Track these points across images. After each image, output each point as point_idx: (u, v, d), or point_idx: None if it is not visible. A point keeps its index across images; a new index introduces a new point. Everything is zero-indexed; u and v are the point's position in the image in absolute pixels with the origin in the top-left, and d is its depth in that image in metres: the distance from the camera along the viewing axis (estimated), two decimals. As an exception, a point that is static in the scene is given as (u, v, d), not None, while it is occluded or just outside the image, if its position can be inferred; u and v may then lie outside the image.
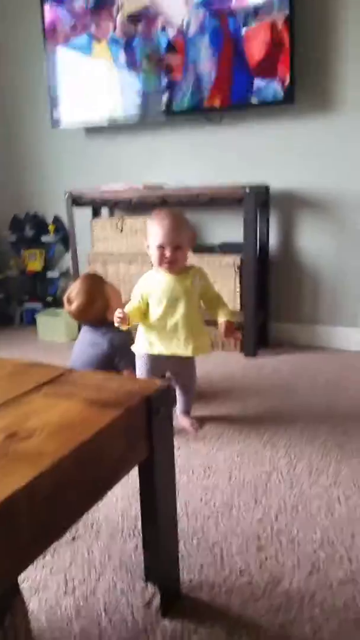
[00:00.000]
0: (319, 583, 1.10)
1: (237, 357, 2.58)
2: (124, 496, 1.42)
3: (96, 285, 1.97)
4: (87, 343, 1.95)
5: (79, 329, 2.07)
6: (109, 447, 0.84)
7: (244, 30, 2.43)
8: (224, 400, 2.06)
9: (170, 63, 2.64)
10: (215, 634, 0.98)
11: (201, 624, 1.00)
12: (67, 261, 3.31)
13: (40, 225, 3.37)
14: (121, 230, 2.85)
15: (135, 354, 1.80)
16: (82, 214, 2.99)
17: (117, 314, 1.63)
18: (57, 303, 3.23)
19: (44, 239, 3.31)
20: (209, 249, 2.68)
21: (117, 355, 1.89)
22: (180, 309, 1.69)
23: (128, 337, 1.93)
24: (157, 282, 1.71)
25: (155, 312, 1.71)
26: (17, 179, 3.43)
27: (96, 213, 3.11)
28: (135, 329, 1.80)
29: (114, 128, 2.98)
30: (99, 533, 1.27)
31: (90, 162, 3.15)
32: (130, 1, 2.65)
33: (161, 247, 1.64)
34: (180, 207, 2.75)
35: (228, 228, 2.78)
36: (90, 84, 2.89)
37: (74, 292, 1.95)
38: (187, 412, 1.89)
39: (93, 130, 3.08)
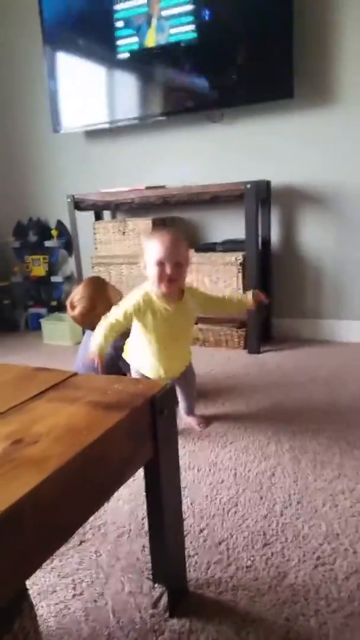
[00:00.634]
0: (324, 576, 1.11)
1: (240, 354, 2.60)
2: (129, 497, 1.44)
3: (98, 291, 1.98)
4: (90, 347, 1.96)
5: (84, 333, 2.10)
6: (115, 449, 0.86)
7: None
8: (228, 397, 2.08)
9: (168, 62, 2.66)
10: (223, 631, 0.99)
11: (209, 622, 1.01)
12: (70, 265, 3.34)
13: (43, 230, 3.40)
14: (123, 233, 2.87)
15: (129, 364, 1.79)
16: (85, 218, 3.02)
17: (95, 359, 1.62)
18: (62, 307, 3.26)
19: (48, 244, 3.34)
20: (211, 248, 2.70)
21: (120, 359, 1.91)
22: (180, 339, 1.70)
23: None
24: (159, 313, 1.61)
25: (152, 339, 1.65)
26: (20, 185, 3.46)
27: (98, 216, 3.13)
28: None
29: (114, 130, 3.00)
30: (106, 535, 1.29)
31: (92, 166, 3.17)
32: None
33: (161, 264, 1.55)
34: (181, 206, 2.79)
35: (230, 225, 2.80)
36: (89, 86, 2.91)
37: (76, 297, 1.97)
38: (191, 411, 1.89)
39: (93, 134, 3.10)
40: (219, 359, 2.52)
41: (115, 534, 1.29)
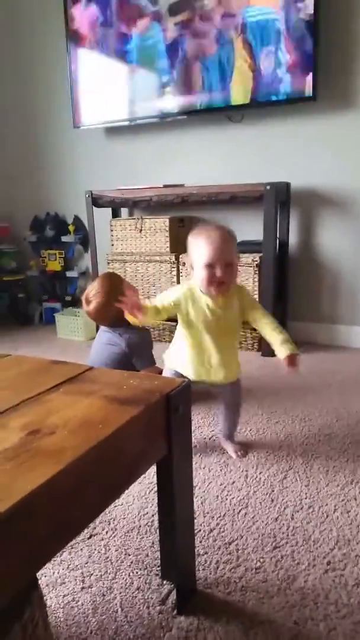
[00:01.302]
0: (334, 582, 1.10)
1: (254, 356, 2.59)
2: (140, 493, 1.44)
3: (114, 287, 1.98)
4: (104, 343, 1.97)
5: (97, 329, 2.10)
6: (129, 444, 0.86)
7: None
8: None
9: (190, 62, 2.66)
10: (231, 631, 0.99)
11: (217, 621, 1.01)
12: (86, 261, 3.35)
13: (60, 225, 3.41)
14: (140, 230, 2.88)
15: (167, 365, 1.68)
16: (102, 215, 3.02)
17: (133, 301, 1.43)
18: (76, 302, 3.27)
19: (64, 239, 3.35)
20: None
21: (134, 355, 1.91)
22: (224, 336, 1.54)
23: (145, 338, 1.95)
24: (202, 308, 1.50)
25: (191, 335, 1.54)
26: (38, 179, 3.48)
27: (115, 213, 3.14)
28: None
29: (134, 127, 3.01)
30: (116, 530, 1.29)
31: (110, 163, 3.18)
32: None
33: (210, 266, 1.42)
34: (199, 206, 2.78)
35: (249, 226, 2.79)
36: (111, 84, 2.91)
37: (92, 292, 1.97)
38: (231, 435, 1.70)
39: (113, 130, 3.11)
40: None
41: (124, 530, 1.29)
